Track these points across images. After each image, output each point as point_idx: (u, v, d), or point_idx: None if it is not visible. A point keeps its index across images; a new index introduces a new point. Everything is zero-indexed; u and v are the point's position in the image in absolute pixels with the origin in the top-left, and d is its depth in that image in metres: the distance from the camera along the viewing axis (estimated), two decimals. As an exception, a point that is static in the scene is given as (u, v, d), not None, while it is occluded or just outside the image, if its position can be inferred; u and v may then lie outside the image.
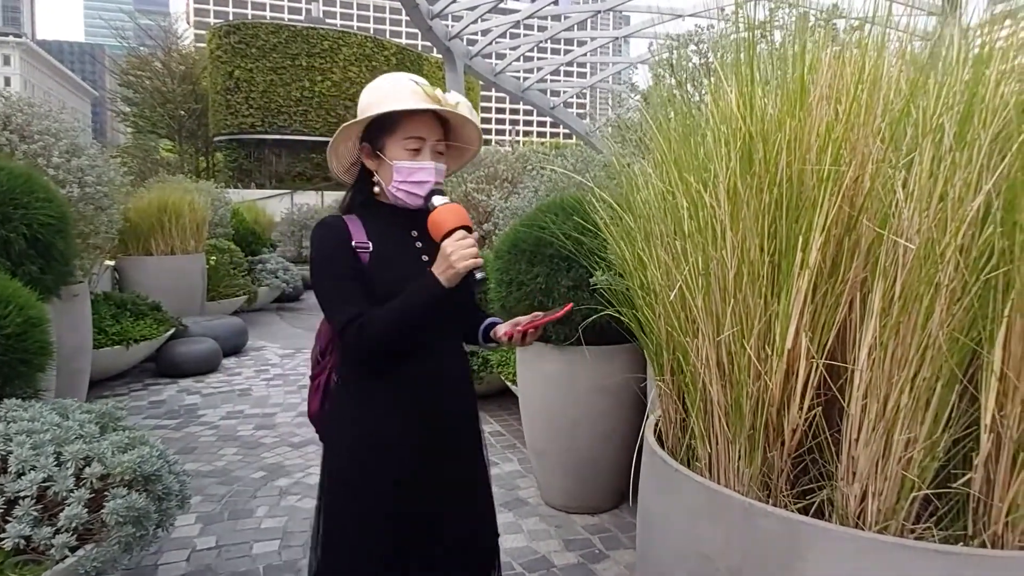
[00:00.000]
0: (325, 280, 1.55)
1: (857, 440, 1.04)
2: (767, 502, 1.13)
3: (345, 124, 1.57)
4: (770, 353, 1.09)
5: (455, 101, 1.57)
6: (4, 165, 3.02)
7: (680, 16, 12.48)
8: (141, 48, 27.27)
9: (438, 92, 1.55)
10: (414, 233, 1.62)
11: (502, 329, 1.63)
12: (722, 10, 3.35)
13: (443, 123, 1.61)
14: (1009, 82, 1.01)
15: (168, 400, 5.00)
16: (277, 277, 9.42)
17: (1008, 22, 1.10)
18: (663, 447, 1.42)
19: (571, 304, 1.60)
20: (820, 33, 1.25)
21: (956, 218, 0.96)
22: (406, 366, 1.57)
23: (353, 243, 1.54)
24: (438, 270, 1.42)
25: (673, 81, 3.12)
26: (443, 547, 1.63)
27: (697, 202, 1.18)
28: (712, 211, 1.14)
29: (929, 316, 0.98)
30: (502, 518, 3.15)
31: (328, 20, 31.71)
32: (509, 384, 4.55)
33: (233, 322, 6.68)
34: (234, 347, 6.50)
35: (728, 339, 1.14)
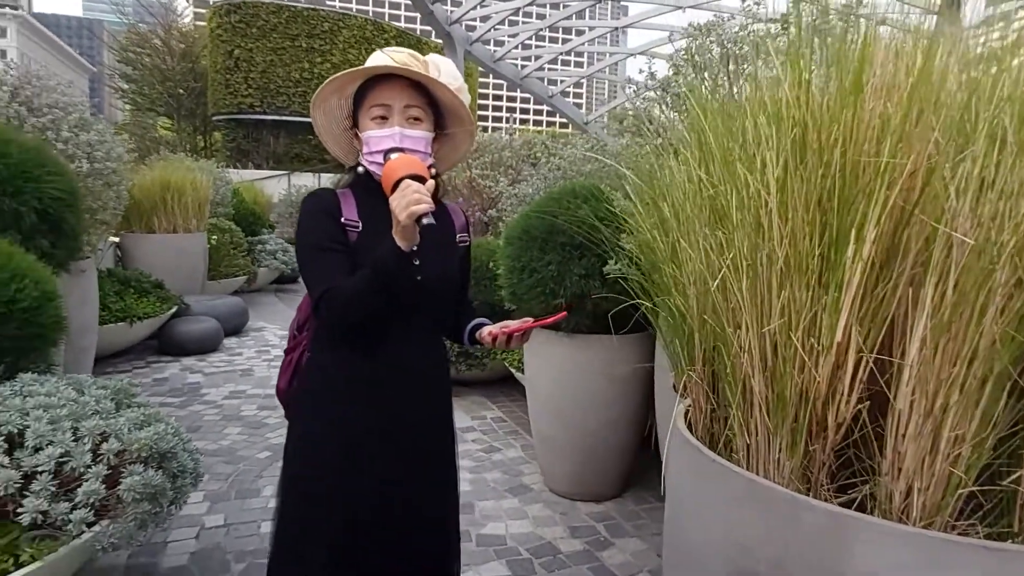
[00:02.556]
0: (306, 251, 1.50)
1: (904, 436, 1.04)
2: (807, 495, 1.13)
3: (313, 102, 1.56)
4: (817, 346, 1.09)
5: (430, 60, 1.52)
6: (14, 138, 2.98)
7: (680, 8, 12.40)
8: (140, 25, 26.93)
9: (411, 55, 1.50)
10: None
11: (488, 330, 1.58)
12: (743, 1, 3.33)
13: (427, 92, 1.54)
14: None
15: (171, 378, 4.99)
16: (276, 258, 9.38)
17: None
18: (693, 436, 1.42)
19: (565, 313, 1.57)
20: (871, 25, 1.24)
21: (1014, 214, 0.95)
22: (374, 353, 1.53)
23: (343, 219, 1.50)
24: (393, 230, 1.34)
25: (697, 70, 3.10)
26: (395, 550, 1.59)
27: (743, 191, 1.17)
28: (761, 201, 1.14)
29: (983, 313, 0.97)
30: (506, 503, 3.17)
31: (328, 2, 31.41)
32: (513, 371, 4.55)
33: (234, 302, 6.65)
34: (235, 327, 6.47)
35: (774, 331, 1.14)
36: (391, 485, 1.57)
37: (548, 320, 1.52)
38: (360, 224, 1.51)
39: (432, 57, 1.54)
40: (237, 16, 24.36)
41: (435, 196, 1.63)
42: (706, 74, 2.87)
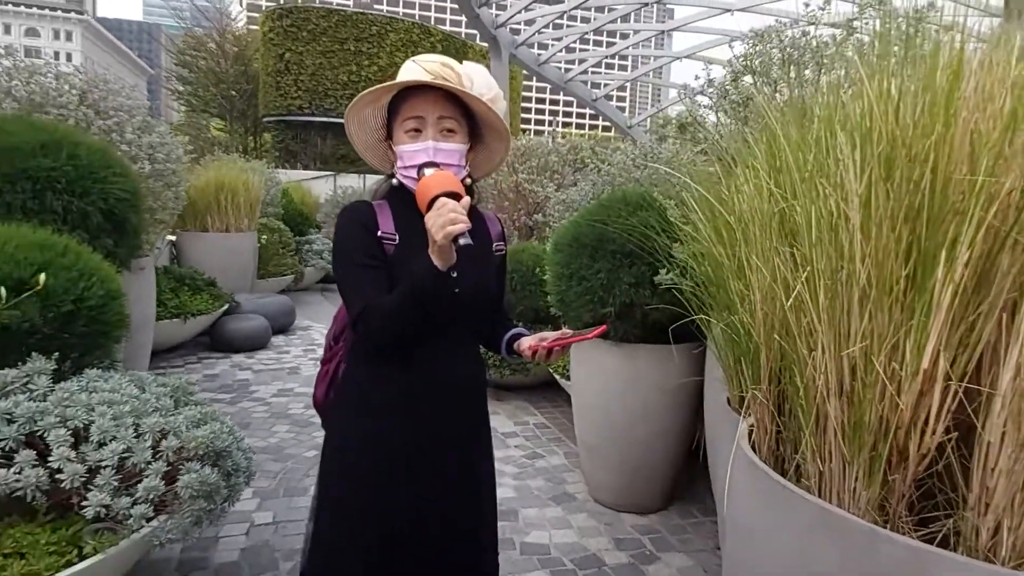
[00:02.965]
0: (343, 267, 1.50)
1: (993, 469, 0.98)
2: (884, 527, 1.08)
3: (347, 115, 1.54)
4: (901, 371, 1.04)
5: (463, 71, 1.49)
6: (83, 140, 3.09)
7: (728, 11, 12.19)
8: (197, 29, 27.82)
9: (443, 64, 1.47)
10: None
11: (527, 342, 1.55)
12: (806, 5, 3.24)
13: (462, 101, 1.51)
14: None
15: (222, 375, 5.11)
16: (322, 258, 9.54)
17: None
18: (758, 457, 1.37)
19: (604, 327, 1.52)
20: (961, 35, 1.18)
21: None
22: (410, 366, 1.52)
23: (379, 233, 1.48)
24: (429, 248, 1.31)
25: (750, 79, 3.03)
26: (431, 563, 1.58)
27: (823, 207, 1.13)
28: (843, 218, 1.09)
29: (1087, 343, 0.91)
30: (550, 512, 3.14)
31: (376, 6, 31.92)
32: (557, 377, 4.52)
33: (282, 300, 6.78)
34: (283, 326, 6.60)
35: (853, 354, 1.09)
36: (427, 500, 1.56)
37: (587, 335, 1.48)
38: (397, 237, 1.49)
39: (466, 67, 1.52)
40: (289, 20, 24.95)
41: (472, 203, 1.64)
42: (766, 80, 2.80)
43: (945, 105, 1.03)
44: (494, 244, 1.68)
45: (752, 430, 1.46)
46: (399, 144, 1.50)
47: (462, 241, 1.26)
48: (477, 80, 1.49)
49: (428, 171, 1.38)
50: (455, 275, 1.43)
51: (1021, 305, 0.97)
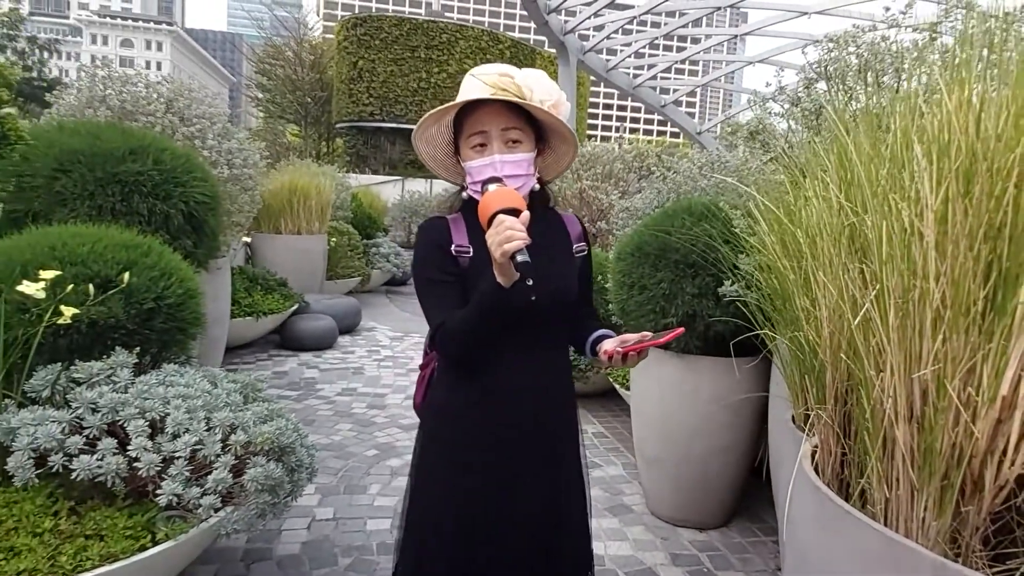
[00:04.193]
0: (421, 284, 1.55)
1: (1080, 506, 0.91)
2: (956, 561, 1.02)
3: (414, 135, 1.57)
4: (977, 397, 0.98)
5: (522, 80, 1.47)
6: (168, 146, 3.27)
7: (806, 14, 11.79)
8: (276, 38, 29.01)
9: (502, 74, 1.46)
10: None
11: (608, 345, 1.52)
12: (887, 9, 3.11)
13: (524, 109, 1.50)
14: None
15: (290, 372, 5.29)
16: (388, 261, 9.75)
17: None
18: (821, 480, 1.32)
19: (682, 328, 1.48)
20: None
21: None
22: (493, 371, 1.53)
23: (453, 246, 1.51)
24: (493, 265, 1.32)
25: (824, 86, 2.92)
26: (515, 567, 1.58)
27: (895, 223, 1.08)
28: (917, 235, 1.04)
29: None
30: (606, 523, 3.11)
31: (447, 14, 32.50)
32: (617, 386, 4.47)
33: (349, 302, 6.97)
34: (348, 326, 6.78)
35: (925, 377, 1.03)
36: (509, 503, 1.57)
37: (665, 338, 1.44)
38: (471, 249, 1.51)
39: (525, 75, 1.51)
40: (363, 29, 25.70)
41: (547, 205, 1.65)
42: (842, 87, 2.70)
43: (1032, 116, 0.97)
44: (575, 245, 1.67)
45: (816, 451, 1.41)
46: (466, 160, 1.52)
47: (519, 258, 1.25)
48: (536, 88, 1.48)
49: (492, 187, 1.39)
50: (530, 283, 1.45)
51: (1114, 331, 0.90)
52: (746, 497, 3.22)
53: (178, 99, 3.97)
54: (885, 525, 1.11)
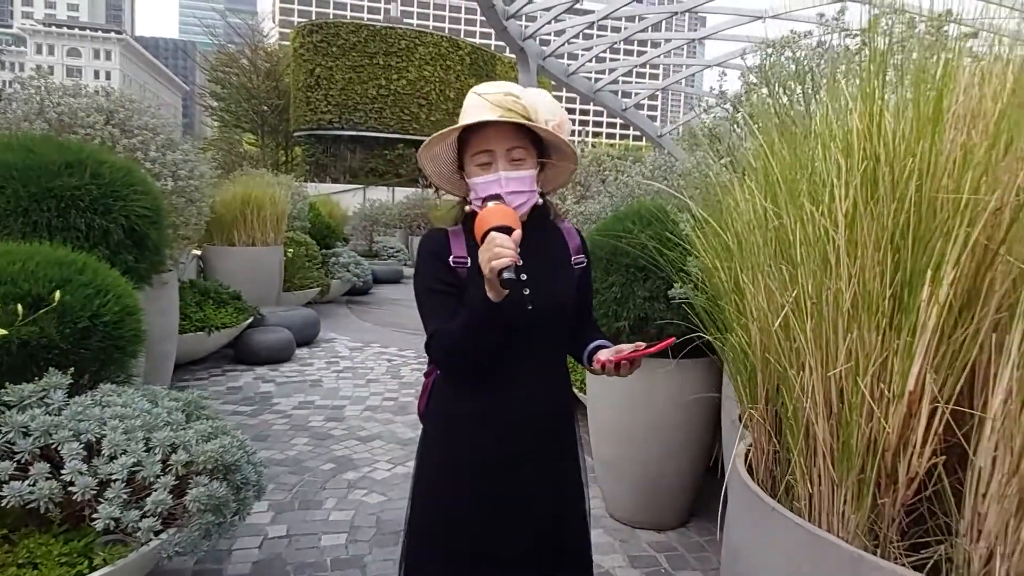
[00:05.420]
0: (419, 293, 1.59)
1: (985, 495, 0.95)
2: (875, 553, 1.05)
3: (420, 154, 1.59)
4: (888, 393, 1.01)
5: (527, 100, 1.51)
6: (107, 159, 3.18)
7: (760, 18, 12.10)
8: (230, 46, 28.53)
9: (507, 94, 1.50)
10: None
11: (602, 355, 1.55)
12: (821, 15, 3.20)
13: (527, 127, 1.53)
14: None
15: (244, 387, 5.18)
16: (348, 271, 9.65)
17: None
18: (753, 478, 1.35)
19: (673, 339, 1.50)
20: (952, 44, 1.15)
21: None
22: (491, 380, 1.56)
23: (452, 258, 1.55)
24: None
25: (766, 90, 2.99)
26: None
27: (809, 225, 1.11)
28: (827, 236, 1.07)
29: (1079, 365, 0.88)
30: (565, 528, 3.11)
31: (406, 20, 32.39)
32: (575, 391, 4.50)
33: (306, 313, 6.87)
34: (307, 338, 6.68)
35: (839, 375, 1.06)
36: (509, 508, 1.58)
37: (658, 347, 1.45)
38: (468, 260, 1.54)
39: (530, 95, 1.54)
40: (319, 36, 25.46)
41: (546, 218, 1.69)
42: (780, 92, 2.76)
43: (932, 121, 1.01)
44: (573, 257, 1.70)
45: (750, 450, 1.43)
46: (471, 176, 1.56)
47: (506, 275, 1.29)
48: (541, 108, 1.53)
49: (491, 203, 1.43)
50: (527, 292, 1.50)
51: (1011, 325, 0.94)
52: (704, 496, 3.26)
53: (119, 110, 3.87)
54: (809, 520, 1.14)
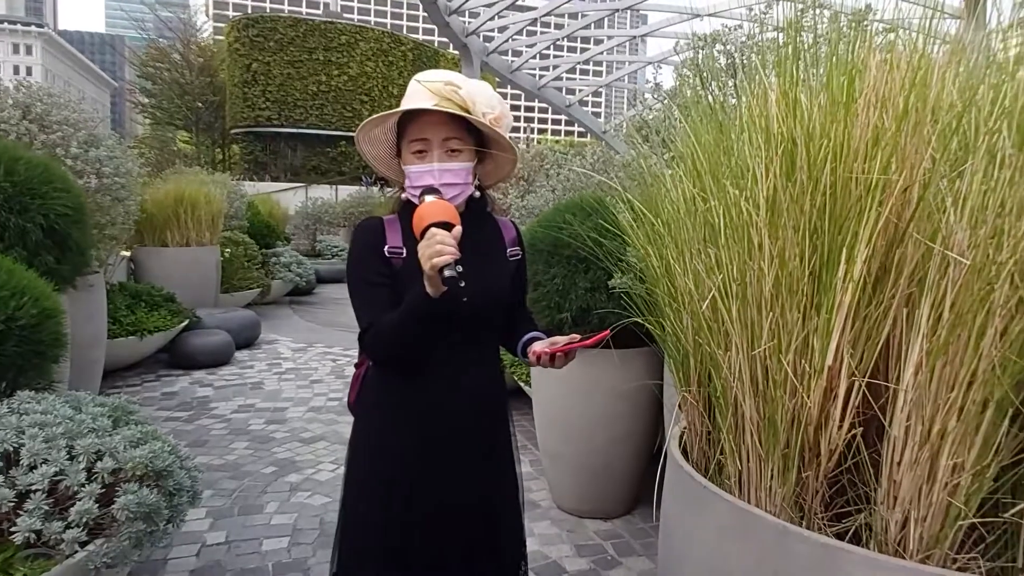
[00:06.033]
0: (352, 283, 1.56)
1: (899, 464, 0.99)
2: (800, 524, 1.09)
3: (357, 136, 1.58)
4: (808, 369, 1.05)
5: (466, 91, 1.50)
6: (22, 155, 3.01)
7: (699, 16, 12.40)
8: (160, 40, 27.47)
9: (447, 83, 1.49)
10: None
11: (537, 347, 1.55)
12: (749, 10, 3.29)
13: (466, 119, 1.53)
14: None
15: (180, 392, 5.01)
16: (291, 271, 9.43)
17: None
18: (688, 460, 1.38)
19: (608, 331, 1.51)
20: (865, 35, 1.20)
21: (1014, 232, 0.91)
22: (423, 372, 1.55)
23: (387, 248, 1.53)
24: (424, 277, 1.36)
25: (698, 82, 3.06)
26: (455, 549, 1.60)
27: (733, 209, 1.14)
28: (749, 219, 1.10)
29: (981, 336, 0.92)
30: (513, 521, 3.12)
31: (345, 15, 31.81)
32: (522, 384, 4.51)
33: (246, 315, 6.68)
34: (247, 340, 6.50)
35: (763, 353, 1.09)
36: (442, 498, 1.57)
37: (592, 340, 1.46)
38: (404, 250, 1.53)
39: (469, 86, 1.53)
40: (255, 30, 24.74)
41: (484, 211, 1.68)
42: (711, 85, 2.83)
43: (844, 103, 1.04)
44: (508, 250, 1.70)
45: (684, 432, 1.46)
46: (407, 164, 1.54)
47: (447, 272, 1.28)
48: (480, 100, 1.51)
49: (429, 197, 1.41)
50: (463, 284, 1.45)
51: (920, 300, 0.98)
52: (649, 483, 3.32)
53: (36, 104, 3.67)
54: (739, 496, 1.17)
